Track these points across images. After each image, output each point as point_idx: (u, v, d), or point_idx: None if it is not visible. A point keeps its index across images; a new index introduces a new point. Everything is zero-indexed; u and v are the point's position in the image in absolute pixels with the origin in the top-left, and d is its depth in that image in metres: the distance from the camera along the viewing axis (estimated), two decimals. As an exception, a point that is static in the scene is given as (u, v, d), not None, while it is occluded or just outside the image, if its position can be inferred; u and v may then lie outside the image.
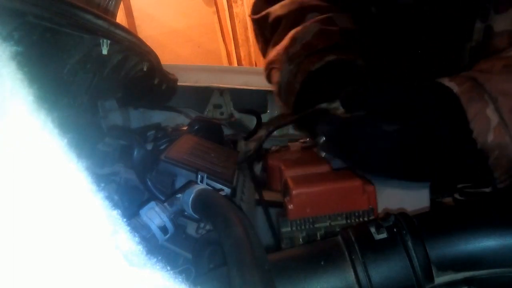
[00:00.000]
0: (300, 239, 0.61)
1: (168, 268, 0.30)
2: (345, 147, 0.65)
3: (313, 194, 0.61)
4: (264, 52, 1.01)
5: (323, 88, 0.78)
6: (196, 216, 0.54)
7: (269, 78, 0.96)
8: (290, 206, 0.61)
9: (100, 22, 0.66)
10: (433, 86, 0.59)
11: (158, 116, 1.28)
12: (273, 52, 0.90)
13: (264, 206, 0.77)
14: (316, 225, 0.61)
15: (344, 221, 0.61)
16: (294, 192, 0.61)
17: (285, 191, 0.65)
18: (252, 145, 0.73)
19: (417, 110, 0.58)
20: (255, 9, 1.04)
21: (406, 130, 0.58)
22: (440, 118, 0.57)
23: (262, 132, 0.74)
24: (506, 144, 0.54)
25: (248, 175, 0.81)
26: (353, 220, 0.61)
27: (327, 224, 0.61)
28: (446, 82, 0.58)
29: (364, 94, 0.64)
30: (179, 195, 0.55)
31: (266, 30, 0.99)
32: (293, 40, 0.85)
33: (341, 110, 0.67)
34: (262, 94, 1.47)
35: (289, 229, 0.61)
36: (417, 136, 0.58)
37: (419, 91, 0.59)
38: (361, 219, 0.61)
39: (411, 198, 0.66)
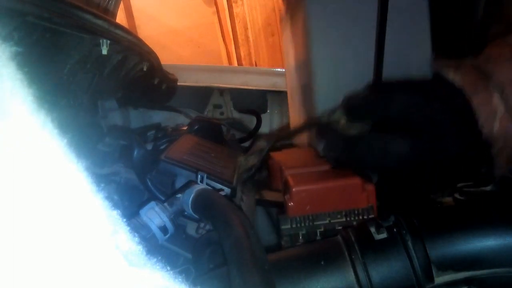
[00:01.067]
0: (300, 237, 0.61)
1: (168, 268, 0.30)
2: (355, 164, 0.65)
3: (312, 192, 0.61)
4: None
5: None
6: (196, 216, 0.54)
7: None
8: (290, 204, 0.61)
9: (100, 22, 0.66)
10: (436, 83, 0.59)
11: (158, 116, 1.29)
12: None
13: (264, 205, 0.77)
14: (316, 223, 0.61)
15: (343, 219, 0.61)
16: (294, 189, 0.61)
17: (285, 189, 0.65)
18: (251, 159, 0.72)
19: (425, 121, 0.57)
20: None
21: (418, 146, 0.58)
22: (448, 117, 0.57)
23: (261, 144, 0.73)
24: (511, 133, 0.54)
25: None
26: (352, 218, 0.61)
27: (327, 221, 0.61)
28: (451, 74, 0.58)
29: (369, 104, 0.63)
30: (179, 195, 0.55)
31: None
32: None
33: (342, 122, 0.65)
34: (262, 94, 1.47)
35: (288, 226, 0.61)
36: (429, 150, 0.58)
37: (425, 97, 0.58)
38: (360, 217, 0.61)
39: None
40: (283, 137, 0.86)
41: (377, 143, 0.60)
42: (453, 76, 0.57)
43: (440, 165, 0.58)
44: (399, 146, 0.57)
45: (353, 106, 0.64)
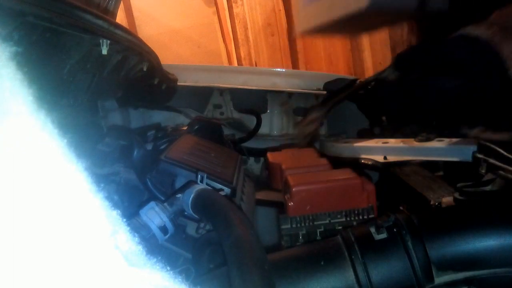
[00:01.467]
0: (300, 236, 0.61)
1: (168, 268, 0.30)
2: (408, 105, 0.69)
3: (313, 192, 0.61)
4: None
5: None
6: (196, 216, 0.54)
7: None
8: (290, 203, 0.61)
9: (100, 22, 0.66)
10: (466, 38, 0.62)
11: (158, 116, 1.29)
12: None
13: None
14: (316, 223, 0.61)
15: (343, 219, 0.61)
16: (294, 189, 0.61)
17: (286, 188, 0.65)
18: (308, 128, 0.77)
19: (464, 65, 0.61)
20: None
21: (464, 85, 0.61)
22: (480, 65, 0.60)
23: (316, 113, 0.78)
24: None
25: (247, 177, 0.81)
26: (352, 218, 0.62)
27: (327, 221, 0.62)
28: (473, 30, 0.61)
29: (416, 55, 0.68)
30: (179, 195, 0.55)
31: None
32: None
33: (393, 78, 0.71)
34: (262, 94, 1.47)
35: (289, 226, 0.61)
36: (472, 88, 0.61)
37: (458, 48, 0.63)
38: (360, 217, 0.62)
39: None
40: (335, 104, 0.91)
41: (433, 83, 0.64)
42: (475, 31, 0.60)
43: (484, 102, 0.62)
44: (451, 84, 0.61)
45: (404, 58, 0.70)
